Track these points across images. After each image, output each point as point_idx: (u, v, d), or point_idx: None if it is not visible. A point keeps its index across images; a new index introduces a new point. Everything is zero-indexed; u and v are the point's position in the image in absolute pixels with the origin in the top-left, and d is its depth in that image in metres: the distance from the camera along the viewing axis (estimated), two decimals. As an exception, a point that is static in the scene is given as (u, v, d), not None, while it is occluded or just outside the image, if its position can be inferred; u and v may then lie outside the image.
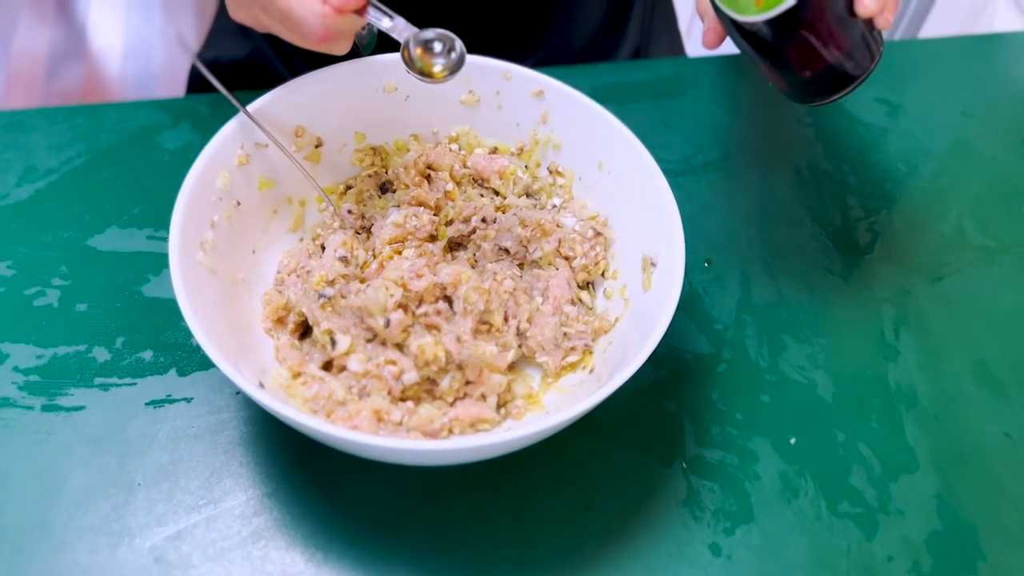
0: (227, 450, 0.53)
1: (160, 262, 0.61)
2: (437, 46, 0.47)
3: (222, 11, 0.88)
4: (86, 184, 0.65)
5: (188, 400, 0.55)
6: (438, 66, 0.48)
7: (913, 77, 0.82)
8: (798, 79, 0.51)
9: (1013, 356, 0.62)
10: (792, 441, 0.56)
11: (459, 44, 0.48)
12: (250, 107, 0.54)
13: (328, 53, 0.49)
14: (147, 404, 0.55)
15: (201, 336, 0.44)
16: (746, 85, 0.79)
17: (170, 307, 0.59)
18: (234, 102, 0.54)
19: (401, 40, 0.48)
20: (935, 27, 1.36)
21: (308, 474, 0.52)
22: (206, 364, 0.56)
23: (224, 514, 0.51)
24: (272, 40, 0.84)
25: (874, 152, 0.75)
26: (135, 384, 0.55)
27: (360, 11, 0.47)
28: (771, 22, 0.48)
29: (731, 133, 0.74)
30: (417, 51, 0.48)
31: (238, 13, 0.51)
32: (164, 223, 0.63)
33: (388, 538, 0.51)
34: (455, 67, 0.49)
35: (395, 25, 0.48)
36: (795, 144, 0.74)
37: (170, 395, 0.55)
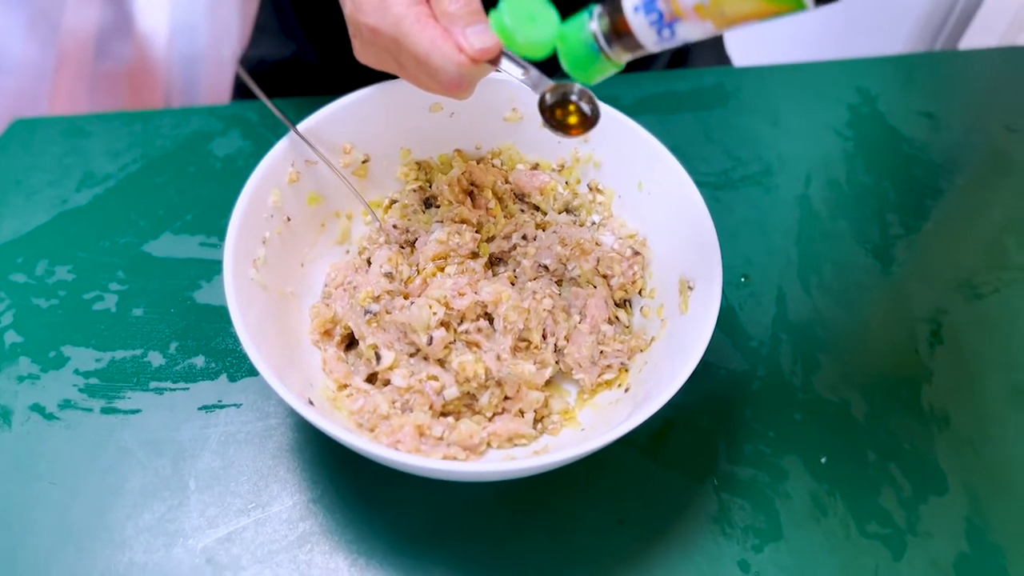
0: (275, 455, 0.55)
1: (211, 269, 0.63)
2: (574, 100, 0.46)
3: (264, 9, 0.90)
4: (142, 190, 0.68)
5: (237, 406, 0.57)
6: (574, 120, 0.46)
7: (955, 89, 0.81)
8: None
9: (1049, 379, 0.62)
10: (823, 460, 0.57)
11: (596, 99, 0.47)
12: (300, 125, 0.55)
13: (454, 99, 0.49)
14: (199, 409, 0.57)
15: (256, 357, 0.46)
16: (788, 96, 0.79)
17: (220, 314, 0.61)
18: (285, 121, 0.55)
19: (537, 92, 0.47)
20: (977, 38, 1.34)
21: (352, 481, 0.54)
22: (255, 371, 0.58)
23: (272, 518, 0.53)
24: (315, 40, 0.85)
25: (915, 167, 0.74)
26: (188, 389, 0.58)
27: (494, 61, 0.46)
28: None
29: (771, 146, 0.74)
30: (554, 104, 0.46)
31: (365, 56, 0.51)
32: (215, 230, 0.66)
33: (427, 545, 0.53)
34: (591, 123, 0.46)
35: (529, 76, 0.47)
36: (836, 158, 0.74)
37: (220, 400, 0.58)
